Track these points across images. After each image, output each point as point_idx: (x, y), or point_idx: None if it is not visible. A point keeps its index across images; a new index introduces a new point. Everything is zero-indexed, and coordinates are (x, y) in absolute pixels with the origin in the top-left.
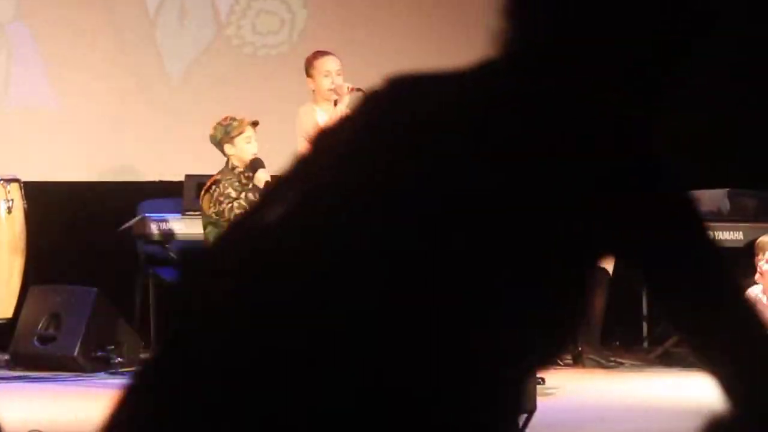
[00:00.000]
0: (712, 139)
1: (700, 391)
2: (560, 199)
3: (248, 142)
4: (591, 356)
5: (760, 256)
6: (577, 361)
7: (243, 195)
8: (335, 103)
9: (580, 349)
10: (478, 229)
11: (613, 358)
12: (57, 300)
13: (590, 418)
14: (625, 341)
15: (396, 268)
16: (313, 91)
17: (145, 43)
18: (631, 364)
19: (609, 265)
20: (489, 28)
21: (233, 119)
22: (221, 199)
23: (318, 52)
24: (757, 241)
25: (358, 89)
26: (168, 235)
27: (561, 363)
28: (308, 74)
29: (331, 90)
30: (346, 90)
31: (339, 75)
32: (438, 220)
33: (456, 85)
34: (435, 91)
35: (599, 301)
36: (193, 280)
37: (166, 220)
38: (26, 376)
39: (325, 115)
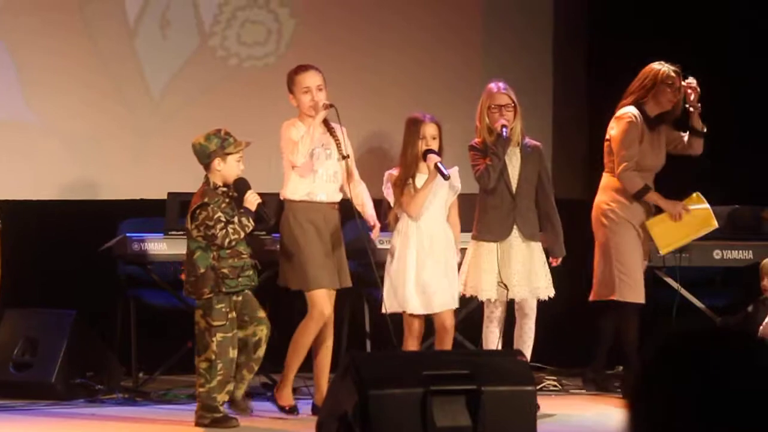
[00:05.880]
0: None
1: None
2: None
3: (238, 162)
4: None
5: (765, 281)
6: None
7: (236, 219)
8: None
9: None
10: None
11: None
12: (34, 324)
13: None
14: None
15: None
16: (297, 107)
17: (125, 55)
18: None
19: (641, 294)
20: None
21: (229, 134)
22: (210, 223)
23: (299, 67)
24: (762, 263)
25: (331, 105)
26: (150, 256)
27: (559, 387)
28: (290, 90)
29: (311, 106)
30: (321, 107)
31: (320, 90)
32: None
33: None
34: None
35: (633, 331)
36: None
37: (147, 240)
38: (1, 405)
39: (304, 130)
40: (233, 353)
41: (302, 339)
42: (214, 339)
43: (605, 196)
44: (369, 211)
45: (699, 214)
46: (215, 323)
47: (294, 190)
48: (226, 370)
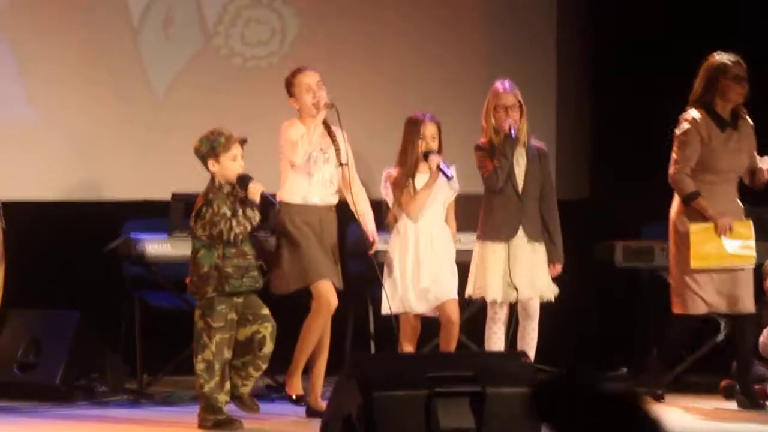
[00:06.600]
0: None
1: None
2: None
3: (233, 160)
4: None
5: (767, 282)
6: (728, 397)
7: (240, 212)
8: None
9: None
10: None
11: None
12: (38, 325)
13: None
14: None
15: None
16: (299, 109)
17: (129, 54)
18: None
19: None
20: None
21: (220, 134)
22: (216, 219)
23: (297, 69)
24: (764, 265)
25: (332, 105)
26: (154, 257)
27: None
28: (290, 94)
29: (313, 104)
30: (322, 106)
31: (320, 88)
32: None
33: None
34: None
35: (672, 337)
36: None
37: (152, 241)
38: (4, 406)
39: (304, 130)
40: (228, 354)
41: (310, 334)
42: (213, 340)
43: (676, 205)
44: (369, 227)
45: (743, 247)
46: (215, 324)
47: (290, 192)
48: (223, 371)
